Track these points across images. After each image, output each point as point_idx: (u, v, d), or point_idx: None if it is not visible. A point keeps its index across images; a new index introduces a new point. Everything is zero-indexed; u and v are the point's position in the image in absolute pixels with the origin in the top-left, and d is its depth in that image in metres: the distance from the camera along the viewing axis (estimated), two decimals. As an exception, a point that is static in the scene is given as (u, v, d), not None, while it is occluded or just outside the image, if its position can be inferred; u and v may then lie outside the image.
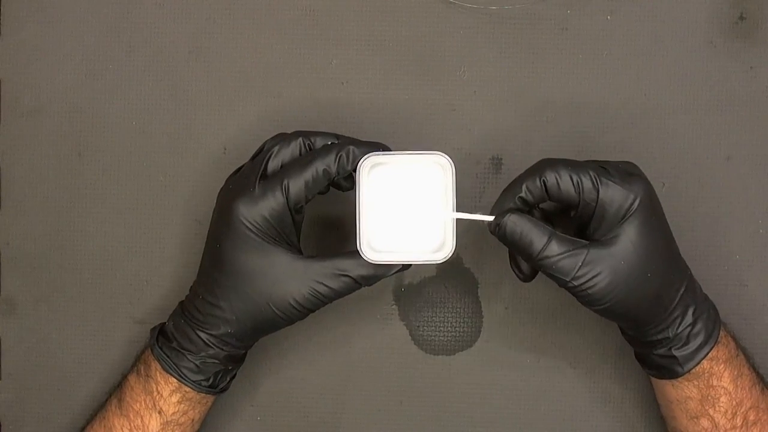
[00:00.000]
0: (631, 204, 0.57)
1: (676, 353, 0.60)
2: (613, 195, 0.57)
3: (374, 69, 0.69)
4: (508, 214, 0.57)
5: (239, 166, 0.63)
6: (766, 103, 0.69)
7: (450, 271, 0.69)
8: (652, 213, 0.58)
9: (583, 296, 0.58)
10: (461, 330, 0.70)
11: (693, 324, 0.59)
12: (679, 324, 0.59)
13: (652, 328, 0.60)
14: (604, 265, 0.57)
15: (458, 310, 0.70)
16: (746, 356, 0.63)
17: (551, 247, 0.57)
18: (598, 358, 0.69)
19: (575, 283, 0.57)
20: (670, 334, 0.59)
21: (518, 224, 0.57)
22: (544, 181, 0.58)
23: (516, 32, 0.69)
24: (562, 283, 0.57)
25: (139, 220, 0.70)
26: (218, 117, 0.70)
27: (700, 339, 0.59)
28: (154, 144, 0.70)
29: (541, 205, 0.62)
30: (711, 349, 0.60)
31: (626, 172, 0.59)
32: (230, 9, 0.70)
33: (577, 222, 0.60)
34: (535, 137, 0.69)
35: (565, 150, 0.68)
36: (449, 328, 0.70)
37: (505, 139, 0.69)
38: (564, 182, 0.58)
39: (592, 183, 0.57)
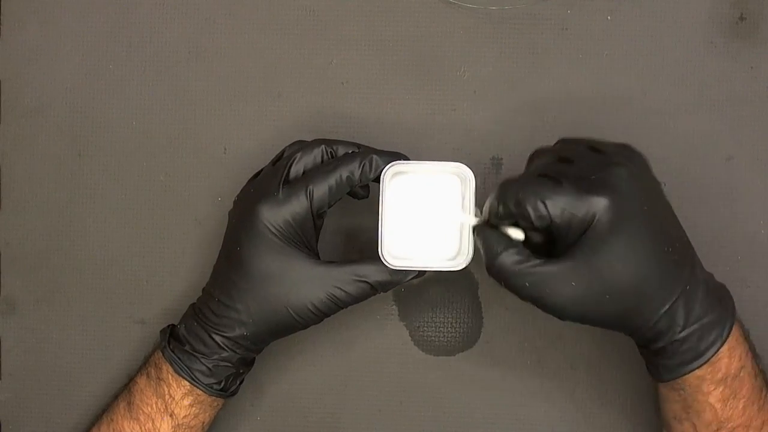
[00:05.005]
0: (591, 217, 0.54)
1: (660, 360, 0.58)
2: (565, 209, 0.54)
3: (374, 69, 0.69)
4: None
5: (257, 170, 0.63)
6: (767, 103, 0.68)
7: (451, 271, 0.69)
8: (619, 224, 0.54)
9: (543, 308, 0.56)
10: (461, 330, 0.70)
11: (682, 341, 0.56)
12: (661, 337, 0.56)
13: (635, 336, 0.58)
14: (558, 282, 0.54)
15: (458, 310, 0.70)
16: (755, 372, 0.59)
17: (509, 255, 0.56)
18: (598, 359, 0.69)
19: (526, 292, 0.55)
20: (652, 347, 0.57)
21: (485, 232, 0.57)
22: (503, 205, 0.56)
23: (516, 32, 0.69)
24: (521, 291, 0.56)
25: (139, 220, 0.70)
26: (218, 117, 0.70)
27: (686, 356, 0.57)
28: (154, 144, 0.70)
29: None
30: (696, 369, 0.57)
31: (591, 182, 0.55)
32: (230, 9, 0.70)
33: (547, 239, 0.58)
34: (536, 137, 0.69)
35: (565, 150, 0.68)
36: (449, 329, 0.70)
37: (505, 139, 0.69)
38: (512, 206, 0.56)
39: (539, 204, 0.55)
